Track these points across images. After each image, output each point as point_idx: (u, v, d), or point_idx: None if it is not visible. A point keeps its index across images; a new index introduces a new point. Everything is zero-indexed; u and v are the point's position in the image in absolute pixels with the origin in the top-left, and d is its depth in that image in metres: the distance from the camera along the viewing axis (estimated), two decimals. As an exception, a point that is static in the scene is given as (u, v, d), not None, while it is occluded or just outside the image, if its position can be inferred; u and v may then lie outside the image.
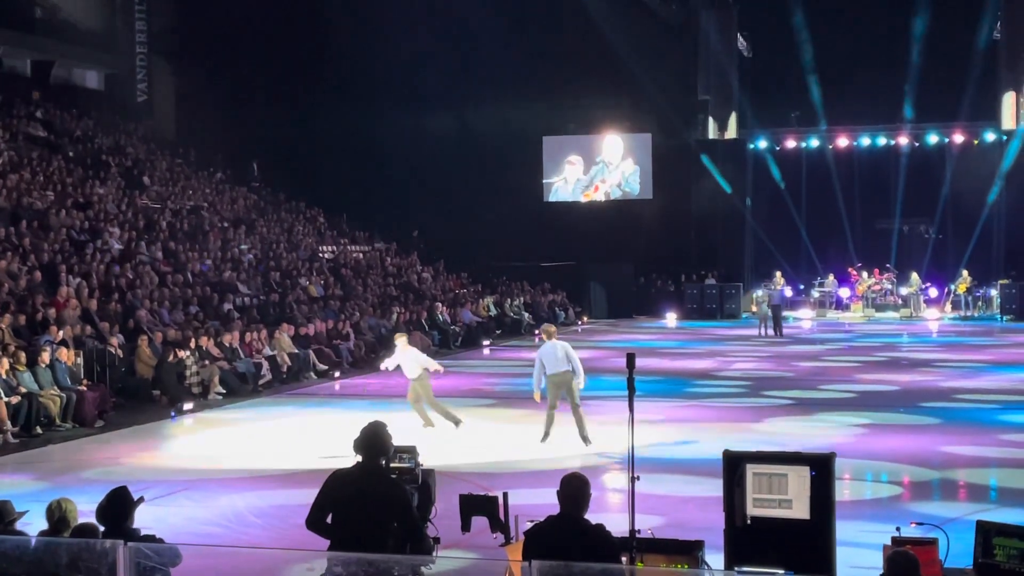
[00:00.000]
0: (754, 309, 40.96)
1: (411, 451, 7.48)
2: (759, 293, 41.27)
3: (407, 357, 16.58)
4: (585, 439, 14.72)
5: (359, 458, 6.76)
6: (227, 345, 21.42)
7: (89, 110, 36.37)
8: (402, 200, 40.19)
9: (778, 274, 39.87)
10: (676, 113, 41.10)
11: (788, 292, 39.92)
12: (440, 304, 31.73)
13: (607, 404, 17.09)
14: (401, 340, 16.90)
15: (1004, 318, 36.81)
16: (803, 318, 37.86)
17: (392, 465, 7.26)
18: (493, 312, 34.36)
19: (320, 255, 33.70)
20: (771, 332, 32.03)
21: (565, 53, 38.97)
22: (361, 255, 36.36)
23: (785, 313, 39.09)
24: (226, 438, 16.67)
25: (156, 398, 19.51)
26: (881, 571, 6.29)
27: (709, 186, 41.02)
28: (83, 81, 39.65)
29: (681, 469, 13.33)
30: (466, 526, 7.62)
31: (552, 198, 43.67)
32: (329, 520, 6.72)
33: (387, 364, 17.08)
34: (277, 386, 21.91)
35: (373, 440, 6.77)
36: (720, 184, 41.18)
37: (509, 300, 35.99)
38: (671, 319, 38.05)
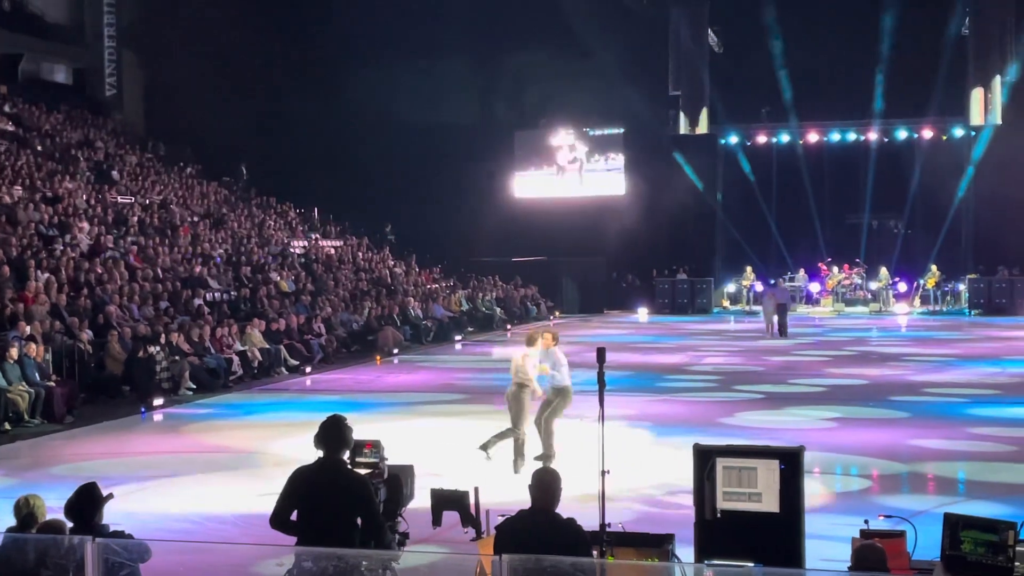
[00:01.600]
0: (725, 304, 41.15)
1: (376, 445, 7.47)
2: (731, 289, 41.48)
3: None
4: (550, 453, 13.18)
5: (320, 453, 6.77)
6: (197, 340, 21.32)
7: (58, 104, 36.13)
8: (374, 195, 40.13)
9: (748, 269, 40.16)
10: (648, 109, 41.18)
11: (815, 288, 39.57)
12: (412, 299, 31.70)
13: (578, 399, 17.12)
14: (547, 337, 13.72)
15: (972, 312, 37.15)
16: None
17: (357, 460, 7.27)
18: (465, 307, 34.35)
19: (291, 250, 33.59)
20: (776, 332, 30.30)
21: (536, 49, 38.96)
22: (333, 250, 36.26)
23: (755, 308, 39.37)
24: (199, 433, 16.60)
25: (126, 394, 19.39)
26: (849, 564, 6.33)
27: (680, 181, 41.13)
28: (51, 75, 39.38)
29: (652, 463, 13.37)
30: (437, 521, 7.62)
31: (524, 193, 43.73)
32: (294, 517, 6.72)
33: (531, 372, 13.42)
34: (248, 381, 21.82)
35: (333, 434, 6.78)
36: (691, 179, 41.33)
37: (481, 295, 35.99)
38: (642, 314, 38.17)
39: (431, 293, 34.40)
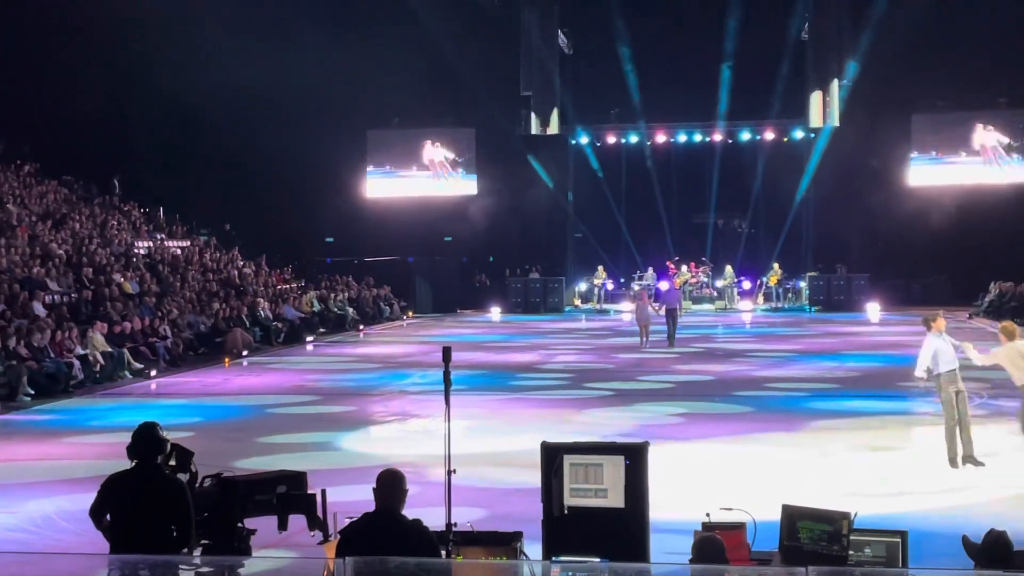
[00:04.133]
0: (577, 303, 41.62)
1: (181, 449, 7.39)
2: (582, 288, 41.95)
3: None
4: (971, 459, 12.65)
5: (134, 462, 6.83)
6: (36, 344, 20.59)
7: None
8: (222, 194, 39.33)
9: (600, 268, 40.75)
10: (499, 108, 41.36)
11: (663, 286, 36.11)
12: (262, 300, 31.22)
13: (426, 399, 17.10)
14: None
15: (812, 309, 38.41)
16: (623, 311, 38.59)
17: (171, 465, 7.23)
18: (317, 308, 33.97)
19: (135, 250, 32.71)
20: (647, 340, 27.17)
21: (388, 46, 38.74)
22: (179, 250, 35.45)
23: (606, 306, 39.94)
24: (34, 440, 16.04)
25: (-41, 401, 18.65)
26: (690, 556, 6.45)
27: (532, 181, 41.49)
28: None
29: (502, 461, 13.43)
30: (283, 525, 7.53)
31: (376, 193, 43.53)
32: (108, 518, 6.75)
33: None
34: (90, 386, 21.17)
35: (146, 440, 6.85)
36: (543, 179, 41.72)
37: (333, 295, 35.64)
38: (495, 313, 38.35)
39: (281, 294, 33.93)
